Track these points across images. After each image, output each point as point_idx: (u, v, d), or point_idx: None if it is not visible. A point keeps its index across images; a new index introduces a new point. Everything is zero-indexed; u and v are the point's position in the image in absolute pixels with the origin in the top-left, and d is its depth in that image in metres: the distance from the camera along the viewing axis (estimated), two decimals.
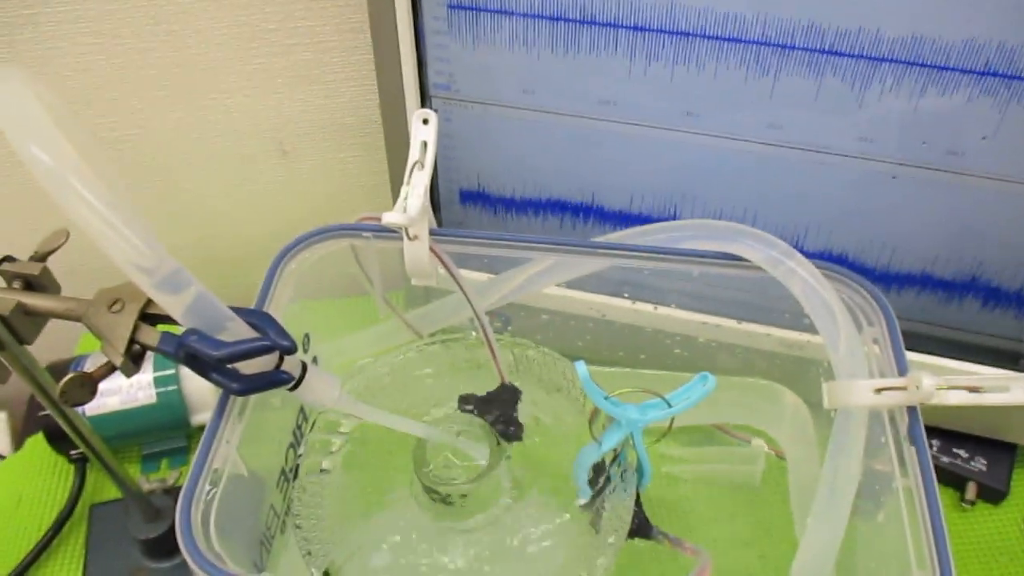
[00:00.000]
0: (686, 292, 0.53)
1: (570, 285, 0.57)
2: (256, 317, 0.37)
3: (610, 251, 0.45)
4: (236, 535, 0.39)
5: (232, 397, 0.39)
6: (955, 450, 0.57)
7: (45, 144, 0.28)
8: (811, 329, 0.42)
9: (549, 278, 0.47)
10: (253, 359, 0.36)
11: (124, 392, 0.57)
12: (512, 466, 0.47)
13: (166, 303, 0.33)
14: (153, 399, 0.58)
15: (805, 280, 0.42)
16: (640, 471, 0.45)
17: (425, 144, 0.44)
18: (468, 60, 0.52)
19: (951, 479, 0.57)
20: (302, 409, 0.48)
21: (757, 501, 0.54)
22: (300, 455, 0.47)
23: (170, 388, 0.58)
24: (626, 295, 0.55)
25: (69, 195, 0.29)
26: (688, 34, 0.46)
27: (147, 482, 0.57)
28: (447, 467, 0.45)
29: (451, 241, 0.45)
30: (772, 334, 0.52)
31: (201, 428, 0.53)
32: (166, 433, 0.60)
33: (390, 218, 0.43)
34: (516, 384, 0.49)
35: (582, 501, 0.45)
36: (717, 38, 0.46)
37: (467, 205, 0.59)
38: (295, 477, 0.46)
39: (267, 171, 0.68)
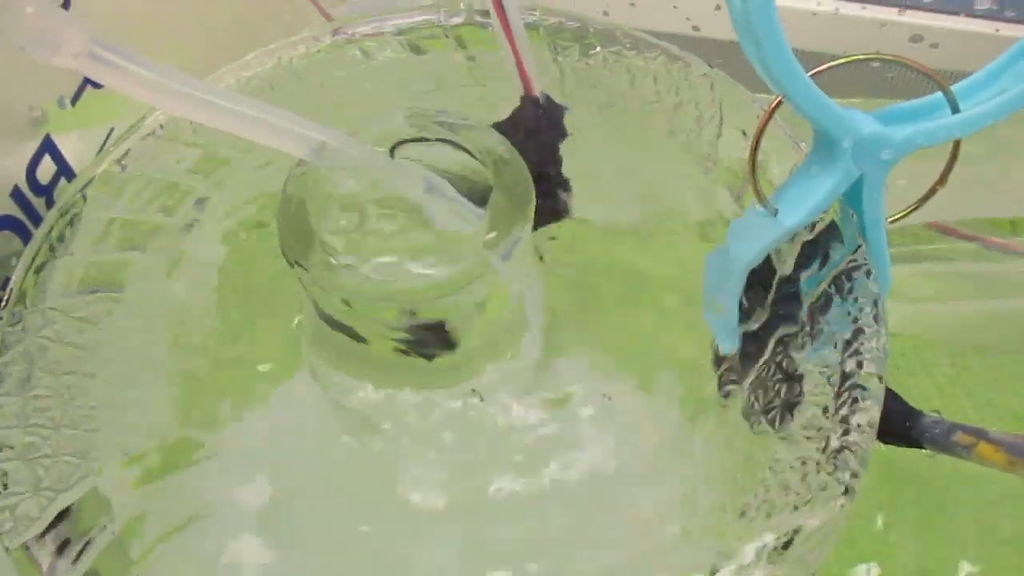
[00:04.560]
0: None
1: None
2: None
3: None
4: None
5: None
6: None
7: None
8: None
9: None
10: None
11: None
12: (548, 280, 0.19)
13: None
14: None
15: None
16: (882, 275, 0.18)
17: None
18: None
19: None
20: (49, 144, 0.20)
21: None
22: (38, 262, 0.19)
23: None
24: None
25: None
26: None
27: None
28: (385, 256, 0.16)
29: None
30: None
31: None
32: None
33: None
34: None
35: (728, 350, 0.18)
36: None
37: None
38: (5, 303, 0.18)
39: None
